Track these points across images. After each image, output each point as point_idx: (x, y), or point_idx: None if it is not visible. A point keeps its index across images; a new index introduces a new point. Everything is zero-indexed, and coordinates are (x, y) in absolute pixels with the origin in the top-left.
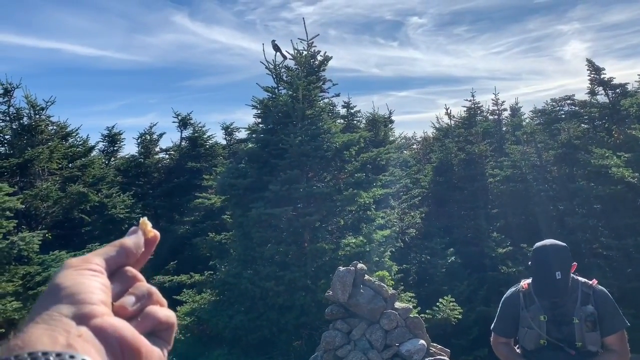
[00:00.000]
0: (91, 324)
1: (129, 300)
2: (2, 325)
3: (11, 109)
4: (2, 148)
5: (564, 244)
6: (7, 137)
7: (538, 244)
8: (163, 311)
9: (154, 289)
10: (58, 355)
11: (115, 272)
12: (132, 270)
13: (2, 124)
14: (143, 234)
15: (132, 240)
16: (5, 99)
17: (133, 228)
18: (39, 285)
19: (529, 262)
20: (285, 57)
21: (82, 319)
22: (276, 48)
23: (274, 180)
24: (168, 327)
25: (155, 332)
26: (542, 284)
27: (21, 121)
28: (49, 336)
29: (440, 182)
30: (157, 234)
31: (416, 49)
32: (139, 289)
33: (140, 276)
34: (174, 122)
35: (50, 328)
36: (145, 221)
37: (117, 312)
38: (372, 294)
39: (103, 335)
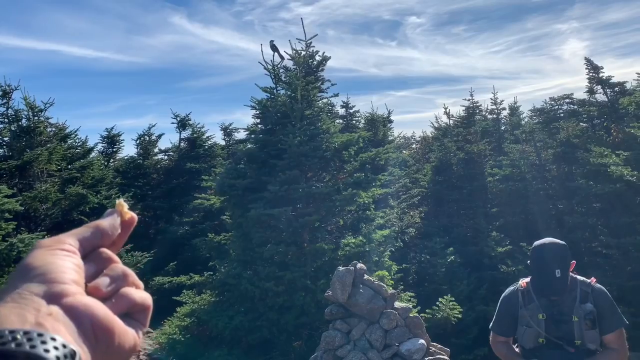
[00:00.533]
0: (62, 303)
1: (103, 281)
2: None
3: (10, 110)
4: (1, 150)
5: (563, 242)
6: (5, 139)
7: (537, 242)
8: (138, 293)
9: (130, 271)
10: (26, 333)
11: (90, 253)
12: (107, 251)
13: (1, 125)
14: (120, 216)
15: (108, 222)
16: (4, 101)
17: (109, 210)
18: None
19: (528, 261)
20: (283, 58)
21: (53, 298)
22: (274, 48)
23: (273, 180)
24: (143, 308)
25: (130, 313)
26: (542, 282)
27: (20, 123)
28: (18, 314)
29: (440, 181)
30: (134, 216)
31: (414, 49)
32: (113, 270)
33: (115, 258)
34: (172, 123)
35: (19, 306)
36: (122, 203)
37: (91, 293)
38: (371, 294)
39: (74, 314)
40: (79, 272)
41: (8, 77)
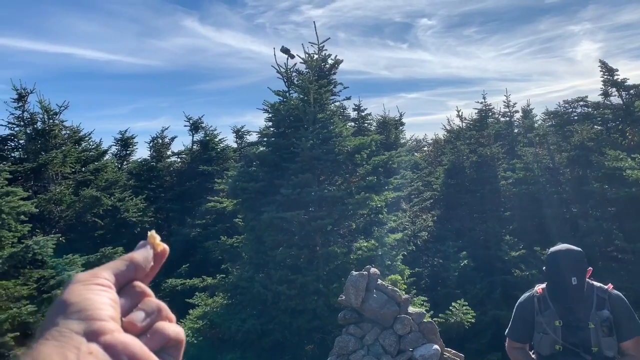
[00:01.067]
0: (101, 341)
1: (138, 316)
2: (17, 329)
3: (25, 113)
4: (17, 153)
5: (579, 248)
6: (21, 141)
7: (553, 248)
8: (172, 327)
9: (163, 305)
10: None
11: (124, 286)
12: (141, 285)
13: (17, 128)
14: (152, 248)
15: (142, 255)
16: (20, 104)
17: (142, 242)
18: (52, 288)
19: (544, 267)
20: (293, 56)
21: (92, 335)
22: (285, 51)
23: (286, 183)
24: (177, 343)
25: (164, 348)
26: (558, 289)
27: (35, 126)
28: (60, 354)
29: (452, 184)
30: (166, 247)
31: (426, 51)
32: (148, 304)
33: (149, 291)
34: (185, 125)
35: (61, 345)
36: (153, 234)
37: (127, 328)
38: (385, 299)
39: (113, 352)
40: (115, 307)
41: (23, 81)
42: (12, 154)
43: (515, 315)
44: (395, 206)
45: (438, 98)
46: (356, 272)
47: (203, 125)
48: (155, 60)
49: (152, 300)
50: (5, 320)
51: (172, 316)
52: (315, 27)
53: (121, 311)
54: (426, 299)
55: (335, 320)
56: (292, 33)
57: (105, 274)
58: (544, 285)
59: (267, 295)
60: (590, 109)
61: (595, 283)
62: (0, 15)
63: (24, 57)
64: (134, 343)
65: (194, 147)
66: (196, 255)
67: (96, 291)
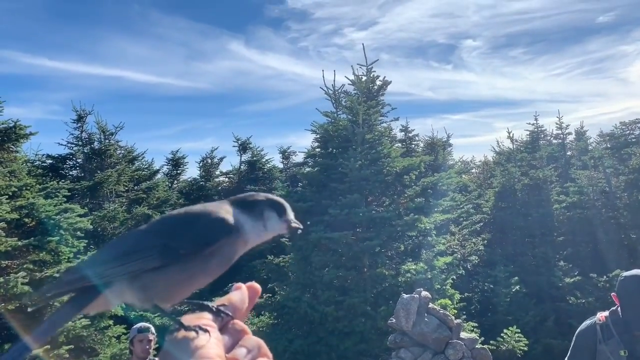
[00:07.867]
0: None
1: (240, 352)
2: (71, 342)
3: (83, 134)
4: (75, 171)
5: None
6: (79, 160)
7: (628, 273)
8: None
9: (262, 342)
10: None
11: (224, 325)
12: (240, 323)
13: (75, 148)
14: (246, 288)
15: (238, 296)
16: (79, 125)
17: (237, 284)
18: None
19: (613, 293)
20: None
21: None
22: None
23: (333, 204)
24: None
25: None
26: (635, 316)
27: (92, 145)
28: None
29: (503, 207)
30: (258, 287)
31: (471, 72)
32: (248, 342)
33: (247, 329)
34: (234, 146)
35: None
36: None
37: None
38: (437, 323)
39: None
40: (220, 345)
41: (82, 102)
42: (71, 172)
43: (575, 344)
44: (444, 229)
45: (484, 119)
46: (407, 295)
47: (251, 145)
48: (202, 82)
49: (252, 337)
50: (60, 333)
51: (269, 353)
52: (364, 48)
53: (224, 348)
54: (476, 325)
55: (383, 344)
56: (335, 55)
57: (208, 315)
58: (606, 313)
59: (314, 316)
60: None
61: None
62: (59, 41)
63: (80, 80)
64: None
65: (242, 167)
66: (242, 274)
67: (202, 330)
